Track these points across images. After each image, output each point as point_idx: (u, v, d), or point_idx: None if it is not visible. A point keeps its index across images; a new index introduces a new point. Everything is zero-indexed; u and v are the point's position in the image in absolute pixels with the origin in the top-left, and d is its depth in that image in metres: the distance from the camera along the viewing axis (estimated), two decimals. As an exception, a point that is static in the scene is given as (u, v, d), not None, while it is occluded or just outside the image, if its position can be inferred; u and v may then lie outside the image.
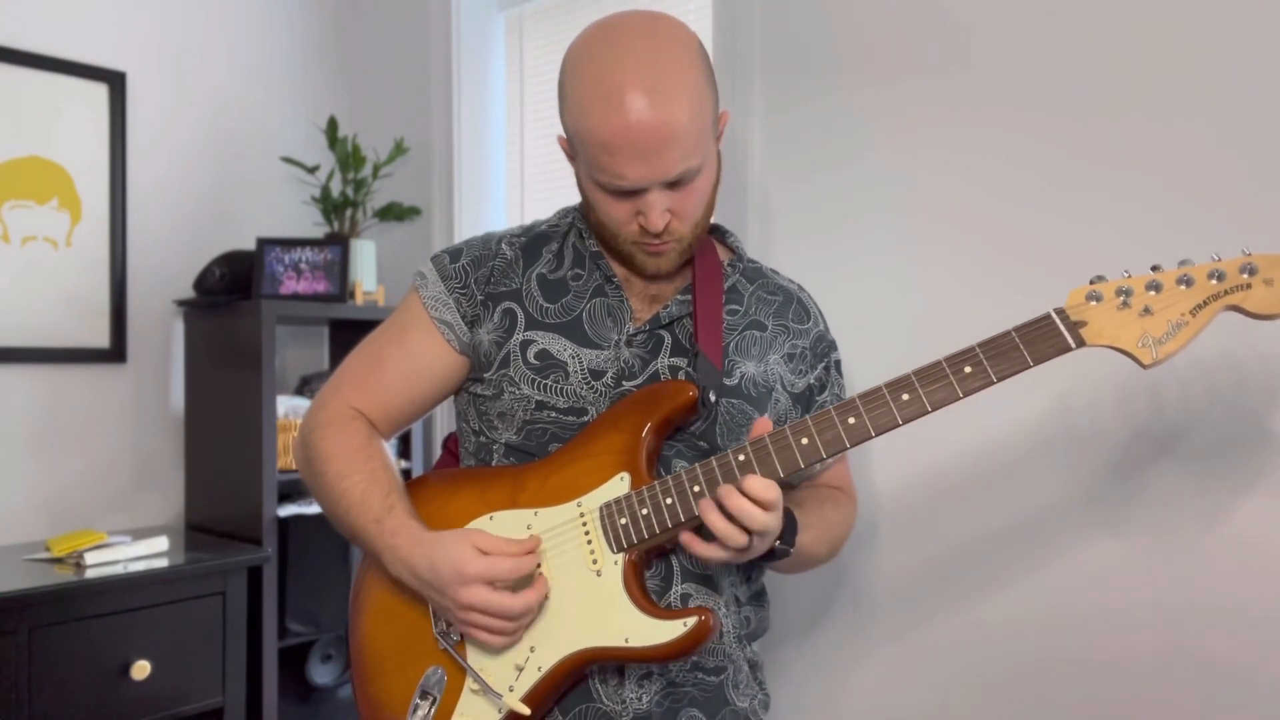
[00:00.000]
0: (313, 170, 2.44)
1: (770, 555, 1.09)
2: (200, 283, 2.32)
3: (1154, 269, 0.99)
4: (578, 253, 1.22)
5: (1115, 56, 1.41)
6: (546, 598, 1.08)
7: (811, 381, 1.25)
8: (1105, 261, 1.39)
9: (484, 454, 1.21)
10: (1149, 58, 1.38)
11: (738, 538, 1.00)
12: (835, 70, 1.71)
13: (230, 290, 2.28)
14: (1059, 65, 1.46)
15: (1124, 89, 1.40)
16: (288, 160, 2.45)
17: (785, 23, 1.78)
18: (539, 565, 1.08)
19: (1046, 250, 1.47)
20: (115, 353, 2.31)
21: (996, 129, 1.52)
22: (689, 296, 1.18)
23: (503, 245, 1.23)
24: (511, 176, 2.49)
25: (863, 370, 1.43)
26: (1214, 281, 0.96)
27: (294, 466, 2.23)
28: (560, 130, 1.14)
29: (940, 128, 1.58)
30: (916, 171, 1.61)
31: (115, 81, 2.31)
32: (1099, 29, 1.42)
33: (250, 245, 2.41)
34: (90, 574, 1.87)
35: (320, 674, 2.48)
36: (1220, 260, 0.97)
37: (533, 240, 1.24)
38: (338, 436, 1.20)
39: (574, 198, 1.28)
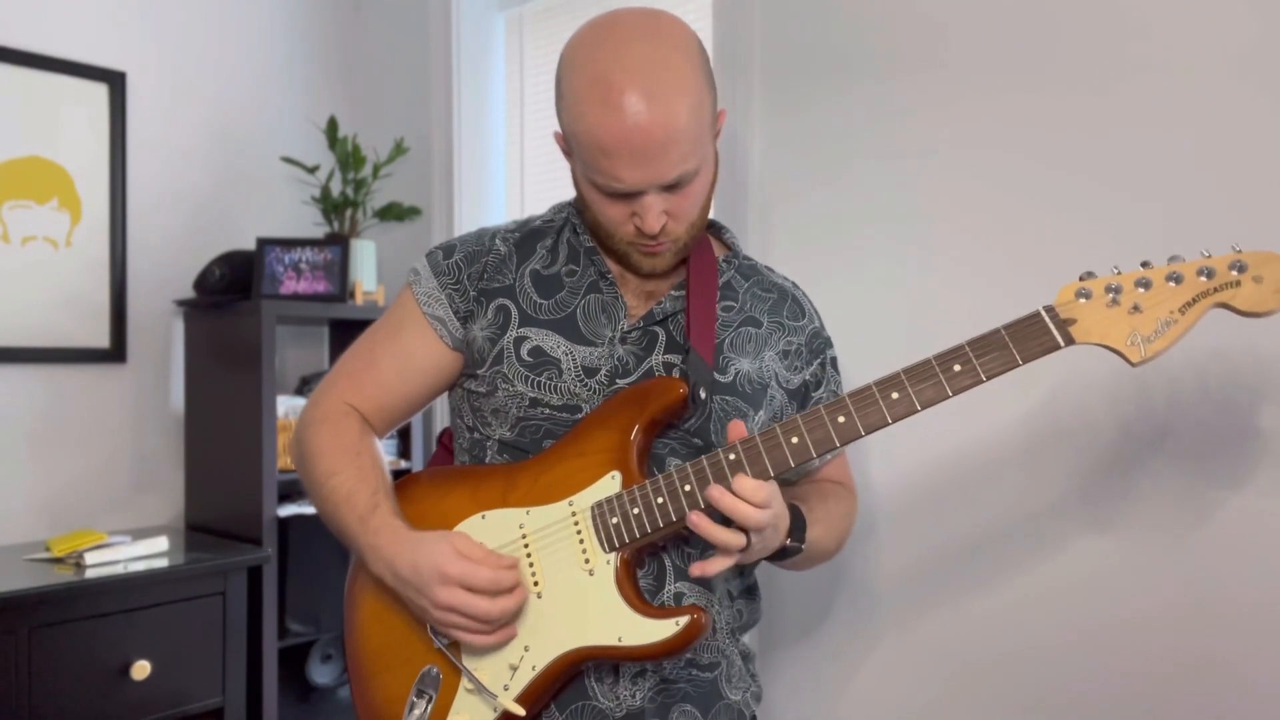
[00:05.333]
0: (313, 170, 2.44)
1: (782, 553, 1.09)
2: (200, 283, 2.32)
3: (1144, 265, 0.98)
4: (572, 248, 1.22)
5: (1116, 57, 1.41)
6: (540, 596, 1.07)
7: (807, 378, 1.24)
8: (1101, 262, 1.40)
9: (478, 450, 1.20)
10: (1147, 61, 1.38)
11: (736, 541, 1.00)
12: (835, 70, 1.71)
13: (230, 290, 2.28)
14: (1058, 64, 1.46)
15: (1123, 90, 1.40)
16: (288, 160, 2.45)
17: (785, 23, 1.78)
18: (531, 566, 1.08)
19: (1047, 250, 1.47)
20: (115, 353, 2.31)
21: (996, 129, 1.52)
22: (684, 292, 1.17)
23: (496, 241, 1.23)
24: (511, 176, 2.48)
25: (860, 367, 1.43)
26: (1203, 279, 0.95)
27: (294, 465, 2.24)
28: (557, 127, 1.13)
29: (941, 128, 1.58)
30: (917, 171, 1.60)
31: (115, 81, 2.31)
32: (1097, 28, 1.42)
33: (250, 245, 2.41)
34: (90, 574, 1.87)
35: (320, 674, 2.48)
36: (1210, 257, 0.96)
37: (527, 236, 1.24)
38: (329, 433, 1.20)
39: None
